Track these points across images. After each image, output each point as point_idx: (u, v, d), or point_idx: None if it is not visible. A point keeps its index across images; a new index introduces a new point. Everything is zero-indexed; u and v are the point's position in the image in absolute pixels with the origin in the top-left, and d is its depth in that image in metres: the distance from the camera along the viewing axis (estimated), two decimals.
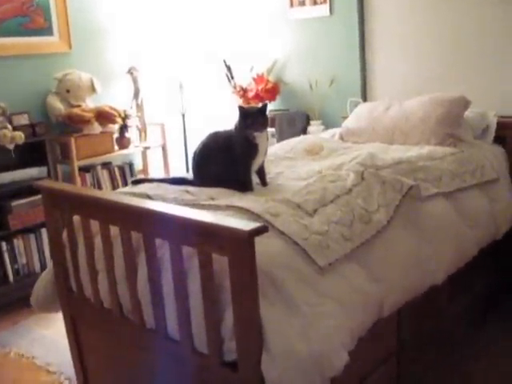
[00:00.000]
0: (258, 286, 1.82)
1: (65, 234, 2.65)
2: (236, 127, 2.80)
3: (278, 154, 3.38)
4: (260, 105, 2.78)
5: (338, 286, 2.07)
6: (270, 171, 3.07)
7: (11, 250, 4.01)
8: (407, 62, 4.06)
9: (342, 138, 3.70)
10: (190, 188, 2.72)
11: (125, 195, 2.59)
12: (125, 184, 4.58)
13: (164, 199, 2.54)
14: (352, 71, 4.33)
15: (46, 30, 4.26)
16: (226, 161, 2.80)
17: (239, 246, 1.78)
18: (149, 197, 2.55)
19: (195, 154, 2.92)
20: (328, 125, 4.40)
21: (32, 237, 4.10)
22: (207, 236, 1.89)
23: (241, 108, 2.75)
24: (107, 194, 2.37)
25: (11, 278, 4.01)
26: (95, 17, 4.50)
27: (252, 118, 2.70)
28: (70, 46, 4.37)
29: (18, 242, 4.05)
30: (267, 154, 2.91)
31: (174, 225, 2.00)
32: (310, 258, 2.05)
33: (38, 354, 3.41)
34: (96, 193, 2.38)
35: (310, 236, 2.11)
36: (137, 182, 2.86)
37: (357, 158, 2.87)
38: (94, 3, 4.50)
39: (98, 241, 2.44)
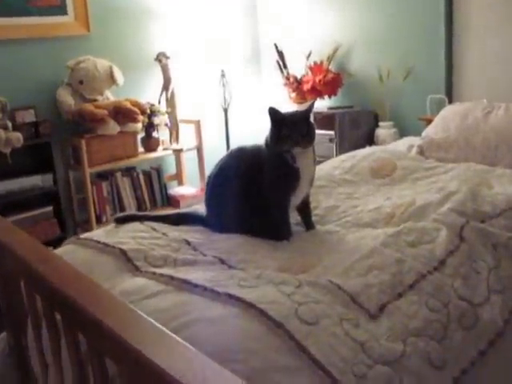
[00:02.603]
0: None
1: None
2: (267, 142, 1.83)
3: (333, 175, 2.37)
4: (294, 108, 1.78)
5: None
6: (319, 204, 2.08)
7: None
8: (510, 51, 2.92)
9: (422, 151, 2.61)
10: (194, 236, 1.77)
11: (88, 249, 1.67)
12: (151, 193, 3.67)
13: (147, 259, 1.59)
14: (434, 61, 3.28)
15: (59, 9, 3.36)
16: (252, 192, 1.84)
17: None
18: (124, 254, 1.61)
19: (209, 179, 1.97)
20: (401, 128, 3.40)
21: None
22: None
23: (272, 111, 1.77)
24: (49, 255, 1.44)
25: None
26: None
27: (289, 126, 1.73)
28: (88, 28, 3.46)
29: None
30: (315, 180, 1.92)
31: (122, 348, 1.05)
32: None
33: None
34: (36, 249, 1.46)
35: (369, 370, 1.11)
36: (121, 221, 1.93)
37: (451, 199, 1.81)
38: None
39: None
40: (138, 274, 1.53)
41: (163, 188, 3.75)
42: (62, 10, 3.38)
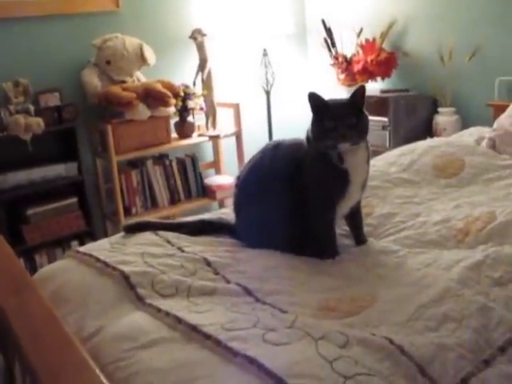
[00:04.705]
0: None
1: None
2: (308, 136, 1.45)
3: (388, 173, 1.97)
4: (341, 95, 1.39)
5: None
6: (372, 210, 1.70)
7: (33, 270, 2.93)
8: None
9: (494, 145, 2.18)
10: (217, 254, 1.41)
11: (86, 268, 1.34)
12: (185, 183, 3.33)
13: (155, 286, 1.25)
14: (505, 38, 2.80)
15: None
16: (290, 199, 1.47)
17: None
18: (126, 279, 1.27)
19: (239, 180, 1.61)
20: (464, 115, 2.96)
21: (59, 251, 2.98)
22: None
23: (313, 97, 1.39)
24: (26, 284, 1.12)
25: None
26: None
27: (334, 116, 1.35)
28: (117, 4, 3.11)
29: (42, 260, 2.97)
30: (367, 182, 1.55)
31: None
32: None
33: None
34: (15, 275, 1.14)
35: None
36: (131, 229, 1.59)
37: None
38: None
39: None
40: (140, 306, 1.19)
41: (198, 177, 3.40)
42: None
